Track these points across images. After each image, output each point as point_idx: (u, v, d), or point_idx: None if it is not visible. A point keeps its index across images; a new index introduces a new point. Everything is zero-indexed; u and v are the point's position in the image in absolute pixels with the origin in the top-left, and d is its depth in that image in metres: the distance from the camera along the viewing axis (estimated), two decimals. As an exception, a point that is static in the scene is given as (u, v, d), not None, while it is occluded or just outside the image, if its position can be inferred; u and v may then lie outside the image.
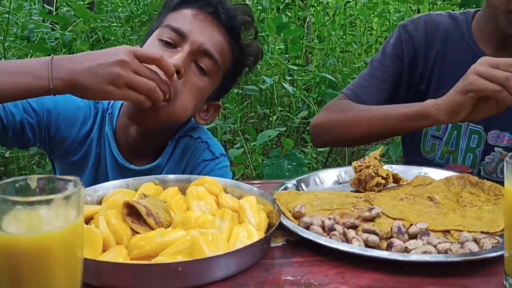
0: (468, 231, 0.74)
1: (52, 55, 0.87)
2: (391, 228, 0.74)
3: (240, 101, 3.32)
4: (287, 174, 2.20)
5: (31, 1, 3.40)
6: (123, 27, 3.16)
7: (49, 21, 2.96)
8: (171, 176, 0.91)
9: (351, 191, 0.96)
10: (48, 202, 0.48)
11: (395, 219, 0.79)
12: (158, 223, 0.72)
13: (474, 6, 3.80)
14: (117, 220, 0.71)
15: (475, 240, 0.70)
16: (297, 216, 0.79)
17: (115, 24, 3.38)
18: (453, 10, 2.67)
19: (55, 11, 3.18)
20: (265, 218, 0.77)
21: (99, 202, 0.83)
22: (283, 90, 3.37)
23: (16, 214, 0.48)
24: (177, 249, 0.66)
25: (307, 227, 0.75)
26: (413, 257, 0.67)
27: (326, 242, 0.70)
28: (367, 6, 3.90)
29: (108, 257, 0.65)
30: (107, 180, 0.97)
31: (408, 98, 1.23)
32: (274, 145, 3.28)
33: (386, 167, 0.98)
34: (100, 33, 3.17)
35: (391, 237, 0.73)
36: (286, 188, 0.92)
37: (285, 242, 0.76)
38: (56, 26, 2.98)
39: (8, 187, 0.51)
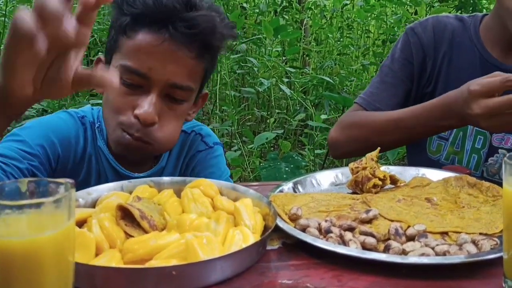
0: (467, 233, 0.73)
1: None
2: (389, 230, 0.73)
3: (237, 104, 3.32)
4: (284, 176, 2.20)
5: (28, 4, 3.39)
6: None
7: (46, 24, 2.94)
8: (166, 179, 0.90)
9: (348, 193, 0.95)
10: (38, 205, 0.47)
11: (392, 221, 0.78)
12: (152, 226, 0.71)
13: (471, 8, 3.79)
14: (110, 223, 0.70)
15: (474, 242, 0.70)
16: (294, 219, 0.78)
17: (111, 27, 3.37)
18: (449, 13, 2.67)
19: (52, 14, 3.17)
20: (261, 220, 0.76)
21: (93, 205, 0.82)
22: (281, 93, 3.38)
23: (6, 218, 0.47)
24: (172, 252, 0.65)
25: (304, 229, 0.74)
26: (411, 259, 0.66)
27: (322, 244, 0.69)
28: (364, 8, 3.92)
29: (101, 261, 0.64)
30: None
31: (416, 100, 1.23)
32: (272, 148, 3.28)
33: (383, 168, 0.97)
34: (96, 36, 3.17)
35: (389, 239, 0.72)
36: (282, 190, 0.91)
37: (281, 244, 0.75)
38: (53, 29, 2.97)
39: (-2, 191, 0.50)
